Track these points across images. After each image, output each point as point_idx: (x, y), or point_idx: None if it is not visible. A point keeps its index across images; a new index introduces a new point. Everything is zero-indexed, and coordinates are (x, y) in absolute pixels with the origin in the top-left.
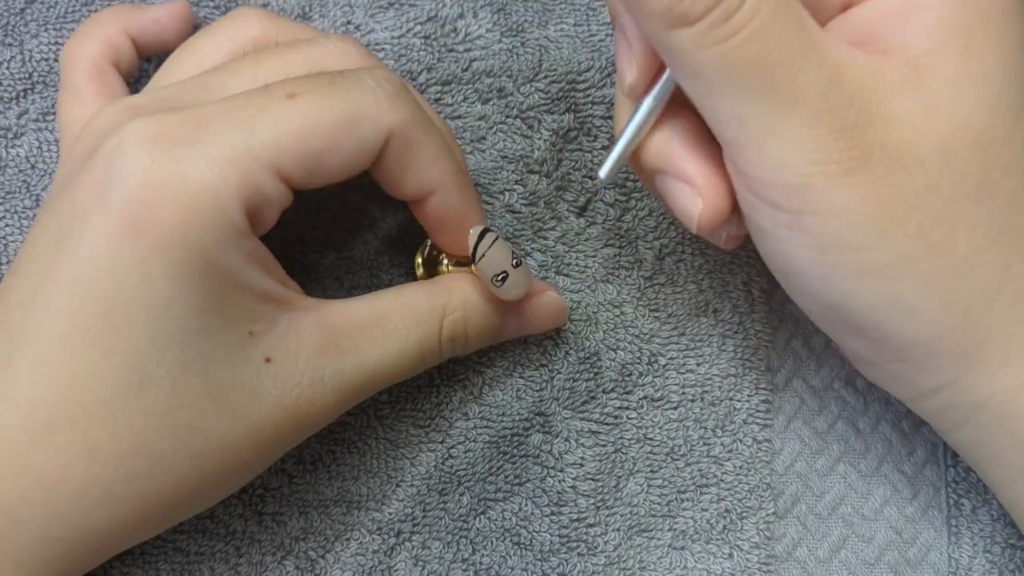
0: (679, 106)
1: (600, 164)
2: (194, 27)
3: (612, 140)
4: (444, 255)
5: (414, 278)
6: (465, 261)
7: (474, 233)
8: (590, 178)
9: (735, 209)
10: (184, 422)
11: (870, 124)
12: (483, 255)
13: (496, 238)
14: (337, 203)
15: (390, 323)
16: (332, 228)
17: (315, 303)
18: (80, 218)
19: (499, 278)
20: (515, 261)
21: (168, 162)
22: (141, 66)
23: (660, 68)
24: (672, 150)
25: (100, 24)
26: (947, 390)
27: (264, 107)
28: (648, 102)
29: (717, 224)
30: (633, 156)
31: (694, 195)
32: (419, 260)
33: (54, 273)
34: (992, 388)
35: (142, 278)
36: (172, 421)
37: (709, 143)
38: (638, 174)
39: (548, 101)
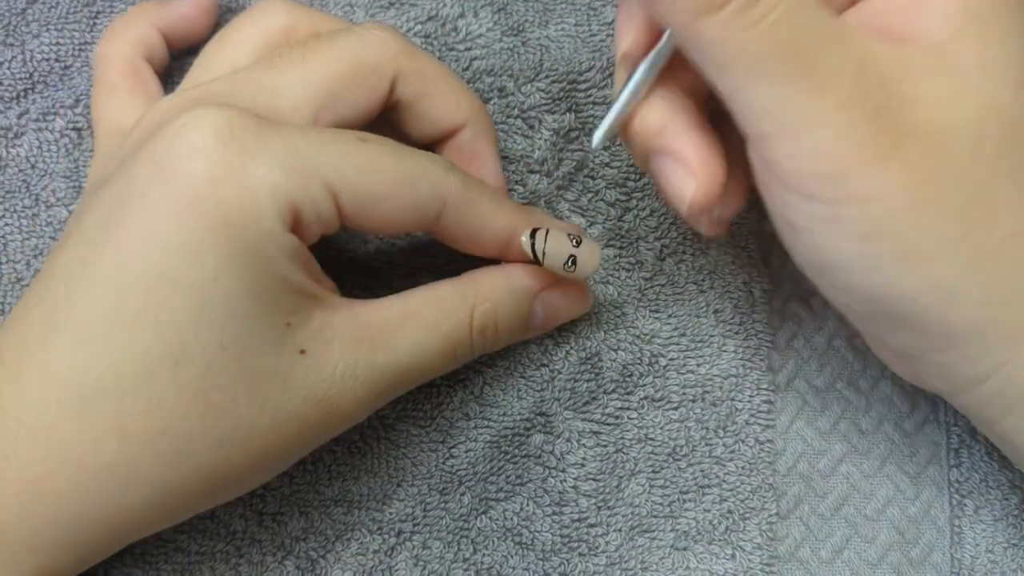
0: (674, 84)
1: (593, 132)
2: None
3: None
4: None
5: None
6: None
7: (526, 240)
8: (591, 178)
9: (725, 192)
10: (215, 404)
11: (900, 107)
12: (544, 252)
13: (547, 231)
14: None
15: (421, 316)
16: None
17: (348, 301)
18: (138, 193)
19: (569, 264)
20: (575, 241)
21: (237, 149)
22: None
23: (657, 35)
24: (666, 128)
25: (131, 22)
26: (994, 377)
27: (338, 138)
28: (643, 68)
29: (709, 206)
30: (628, 131)
31: (688, 176)
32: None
33: (103, 248)
34: None
35: (193, 254)
36: (203, 401)
37: (702, 123)
38: (632, 151)
39: (549, 101)
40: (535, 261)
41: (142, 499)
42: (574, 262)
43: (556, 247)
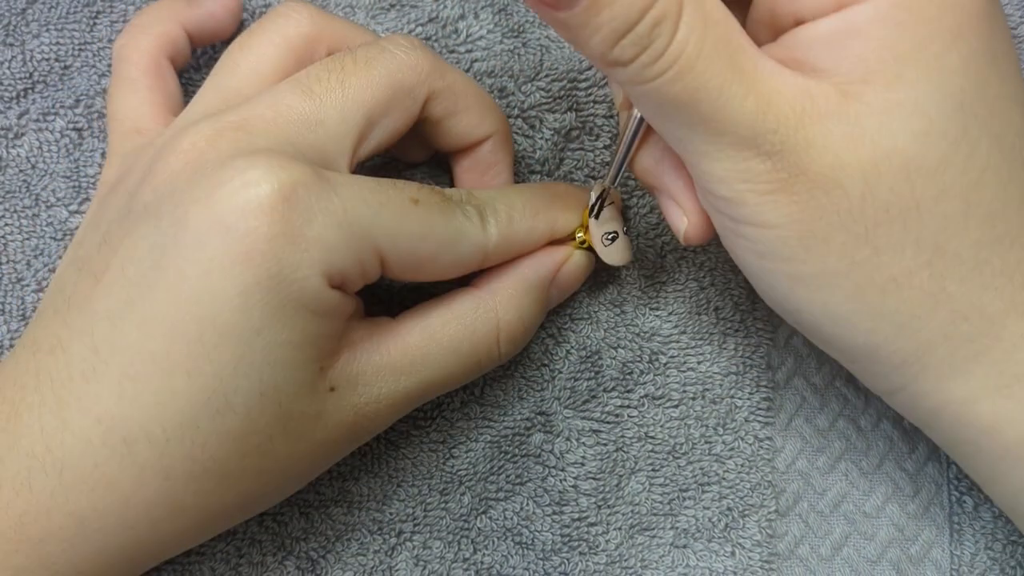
0: None
1: (607, 169)
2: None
3: (617, 145)
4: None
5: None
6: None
7: (597, 188)
8: (593, 177)
9: None
10: (254, 445)
11: (794, 150)
12: (601, 209)
13: (612, 203)
14: None
15: (442, 340)
16: None
17: (370, 330)
18: (195, 240)
19: (609, 237)
20: (625, 228)
21: (300, 211)
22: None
23: None
24: (660, 170)
25: (157, 18)
26: (900, 394)
27: (392, 200)
28: (637, 115)
29: (703, 239)
30: (632, 170)
31: (680, 213)
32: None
33: (155, 289)
34: (942, 398)
35: (241, 307)
36: (243, 445)
37: None
38: (642, 185)
39: (549, 100)
40: (588, 216)
41: (184, 527)
42: (613, 240)
43: (612, 216)
